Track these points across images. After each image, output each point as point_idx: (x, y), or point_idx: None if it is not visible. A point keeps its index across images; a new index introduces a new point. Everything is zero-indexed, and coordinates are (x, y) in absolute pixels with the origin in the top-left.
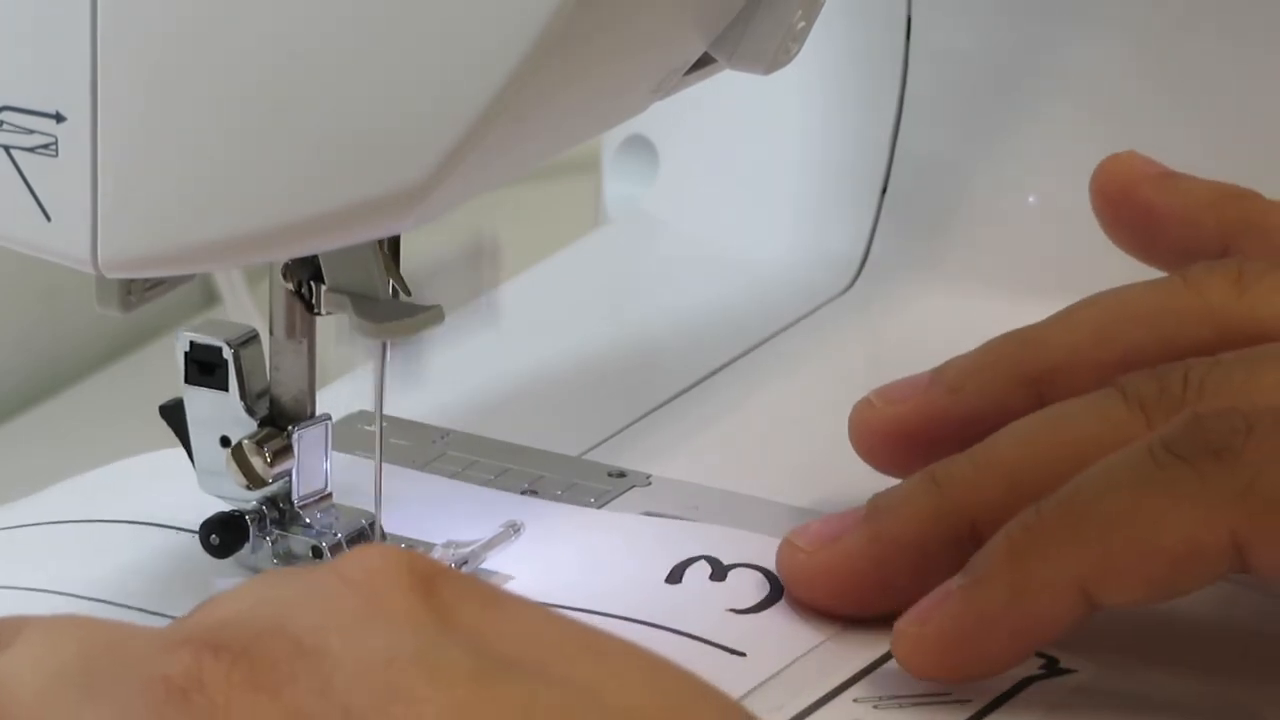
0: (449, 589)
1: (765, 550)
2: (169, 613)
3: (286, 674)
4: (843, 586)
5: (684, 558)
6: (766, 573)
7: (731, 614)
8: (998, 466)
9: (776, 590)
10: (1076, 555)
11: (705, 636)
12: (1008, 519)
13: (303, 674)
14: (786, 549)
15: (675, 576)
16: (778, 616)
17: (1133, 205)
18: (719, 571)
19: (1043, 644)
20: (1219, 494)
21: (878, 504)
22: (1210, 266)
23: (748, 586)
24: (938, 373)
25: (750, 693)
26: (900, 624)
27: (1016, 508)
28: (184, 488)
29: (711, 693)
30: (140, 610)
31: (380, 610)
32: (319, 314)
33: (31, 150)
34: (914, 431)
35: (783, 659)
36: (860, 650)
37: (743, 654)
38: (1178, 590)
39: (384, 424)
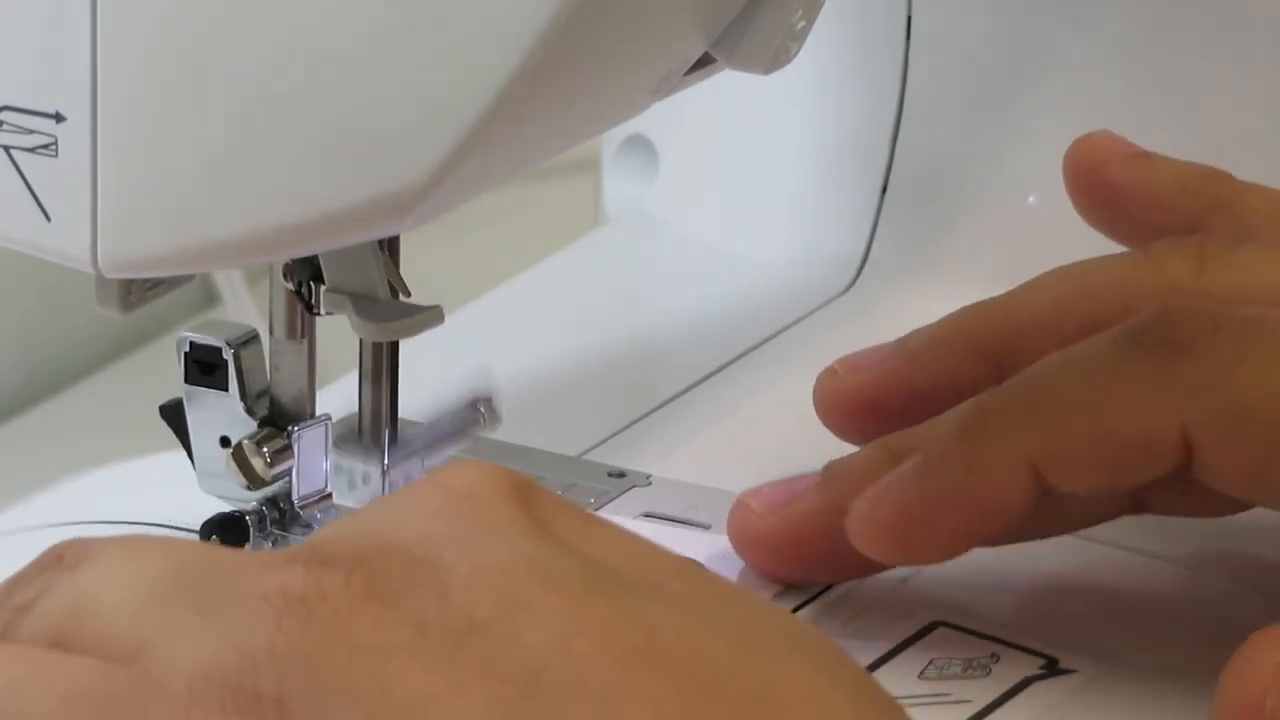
0: (545, 504)
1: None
2: None
3: (403, 583)
4: (791, 551)
5: None
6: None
7: None
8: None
9: None
10: (1030, 435)
11: None
12: None
13: (419, 583)
14: (738, 510)
15: None
16: None
17: (1103, 185)
18: None
19: (994, 528)
20: (1177, 387)
21: (832, 471)
22: (1172, 243)
23: None
24: (900, 343)
25: None
26: (854, 503)
27: None
28: (184, 488)
29: (807, 625)
30: None
31: (485, 520)
32: (319, 314)
33: (31, 150)
34: (875, 401)
35: None
36: (858, 651)
37: None
38: (1124, 480)
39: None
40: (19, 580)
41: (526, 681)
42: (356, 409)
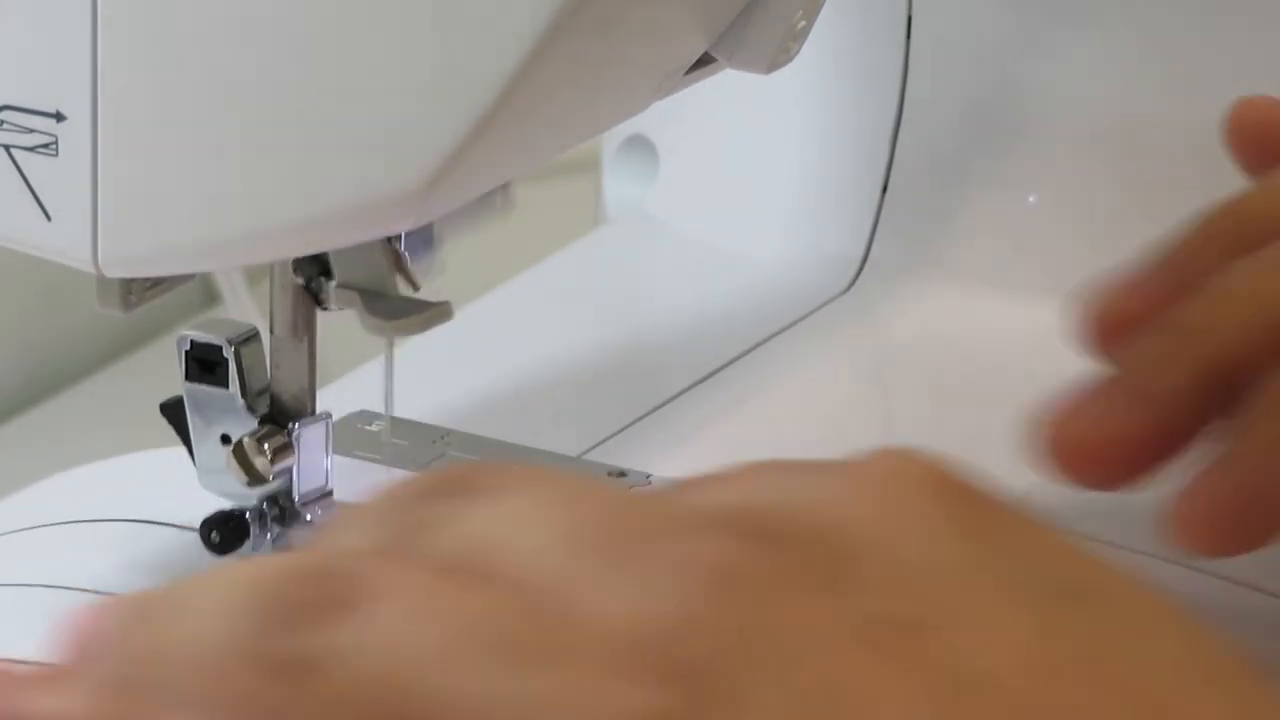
0: (982, 503)
1: None
2: None
3: (844, 572)
4: (1103, 453)
5: None
6: None
7: None
8: (1245, 301)
9: None
10: None
11: None
12: (1265, 354)
13: (863, 575)
14: (1041, 430)
15: None
16: None
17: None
18: None
19: None
20: None
21: (1127, 362)
22: None
23: None
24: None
25: None
26: (1173, 505)
27: (1272, 339)
28: (184, 485)
29: (1237, 651)
30: None
31: (924, 515)
32: (328, 309)
33: (31, 150)
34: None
35: None
36: None
37: None
38: None
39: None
40: (415, 496)
41: (972, 690)
42: (361, 408)
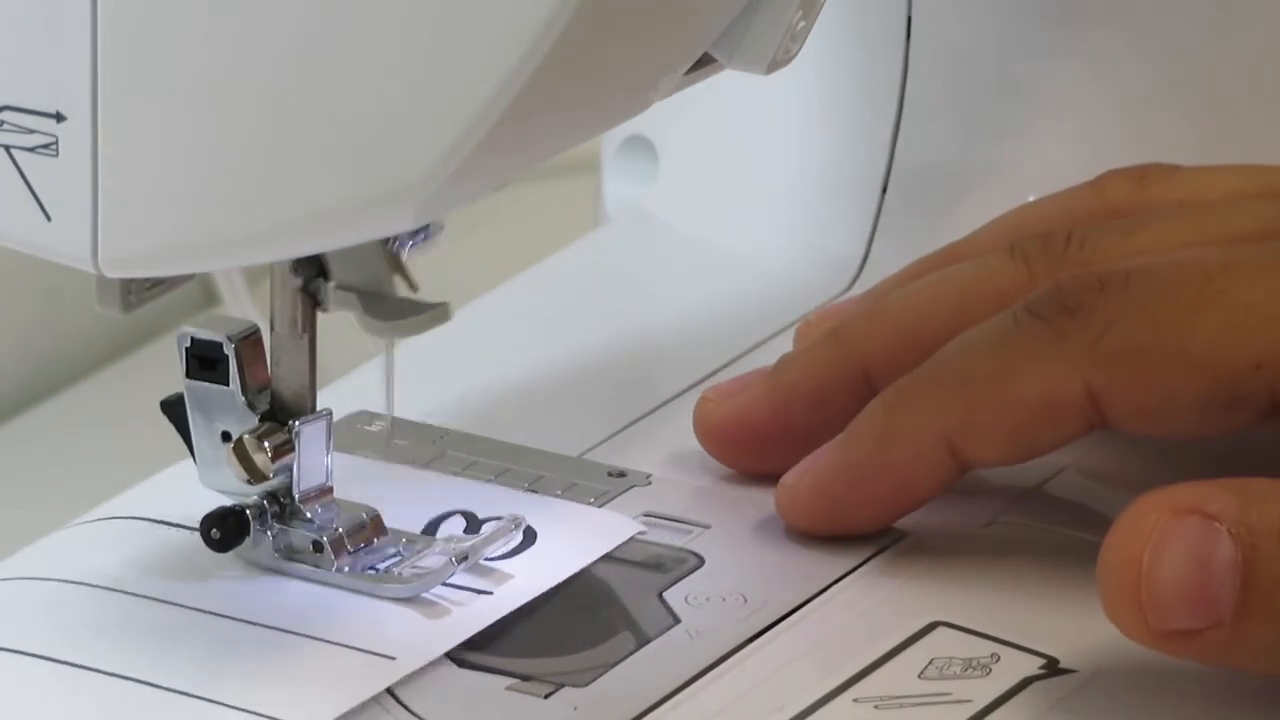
0: None
1: (519, 503)
2: (175, 601)
3: None
4: (744, 435)
5: (439, 513)
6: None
7: (482, 563)
8: (888, 316)
9: (529, 539)
10: (940, 408)
11: (453, 584)
12: (896, 364)
13: None
14: (699, 403)
15: (430, 530)
16: (526, 561)
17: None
18: (473, 524)
19: (914, 499)
20: (1071, 348)
21: (782, 358)
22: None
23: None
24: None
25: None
26: (782, 479)
27: (904, 352)
28: (185, 482)
29: None
30: (145, 597)
31: None
32: (326, 310)
33: (31, 150)
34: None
35: (528, 594)
36: (860, 649)
37: (490, 593)
38: (1038, 445)
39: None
40: None
41: None
42: (361, 408)
